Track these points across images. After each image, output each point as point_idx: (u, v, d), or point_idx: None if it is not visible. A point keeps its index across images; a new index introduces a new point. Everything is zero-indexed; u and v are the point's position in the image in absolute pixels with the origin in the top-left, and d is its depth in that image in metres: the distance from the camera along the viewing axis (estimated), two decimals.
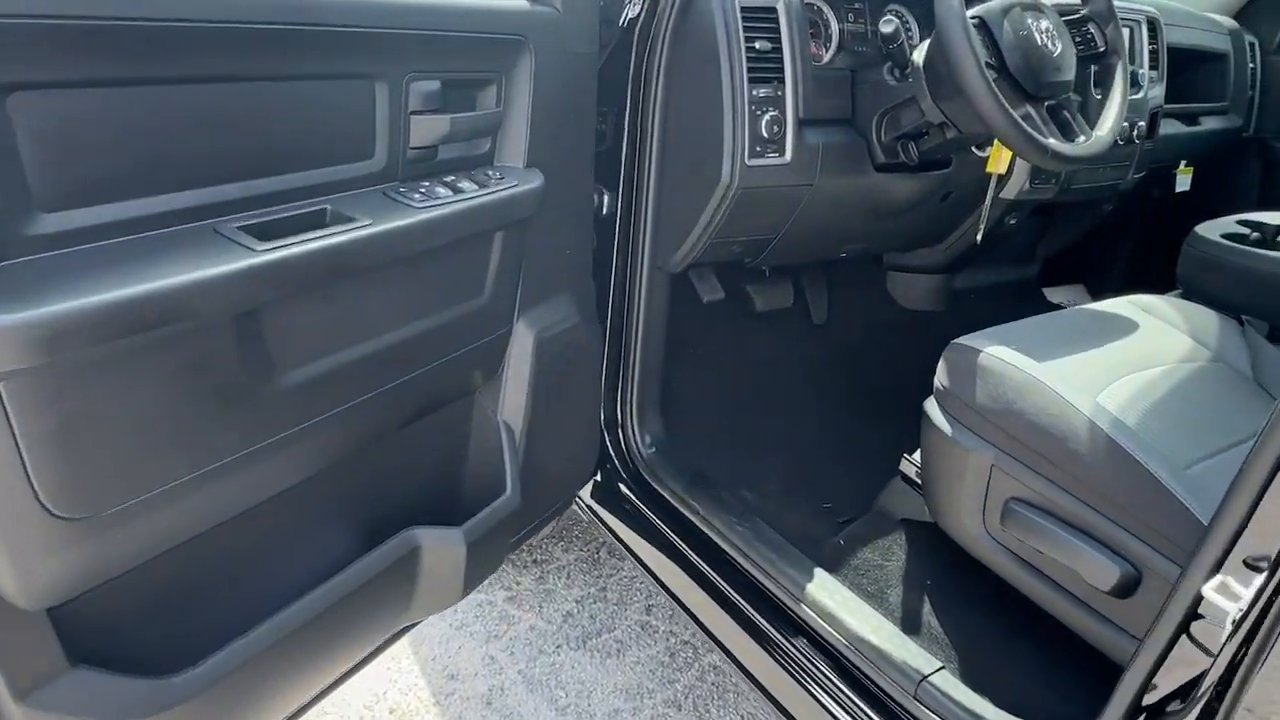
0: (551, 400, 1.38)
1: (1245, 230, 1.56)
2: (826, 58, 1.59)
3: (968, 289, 2.18)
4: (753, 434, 1.82)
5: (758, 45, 1.38)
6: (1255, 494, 0.75)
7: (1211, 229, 1.55)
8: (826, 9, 1.59)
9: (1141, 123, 1.82)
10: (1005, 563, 1.24)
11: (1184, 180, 2.22)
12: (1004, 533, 1.22)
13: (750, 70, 1.38)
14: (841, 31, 1.60)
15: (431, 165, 1.12)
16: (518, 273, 1.26)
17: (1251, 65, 2.27)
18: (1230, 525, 0.77)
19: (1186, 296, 1.57)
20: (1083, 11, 1.45)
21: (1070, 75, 1.37)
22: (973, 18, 1.33)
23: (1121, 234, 2.45)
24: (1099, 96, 1.44)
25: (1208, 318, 1.44)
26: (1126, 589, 1.08)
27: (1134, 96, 1.79)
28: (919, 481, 1.43)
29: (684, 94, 1.46)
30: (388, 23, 0.98)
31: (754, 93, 1.38)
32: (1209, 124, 2.17)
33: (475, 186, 1.10)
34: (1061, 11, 1.55)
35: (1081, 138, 1.36)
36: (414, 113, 1.05)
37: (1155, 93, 1.90)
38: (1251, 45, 2.27)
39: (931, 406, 1.32)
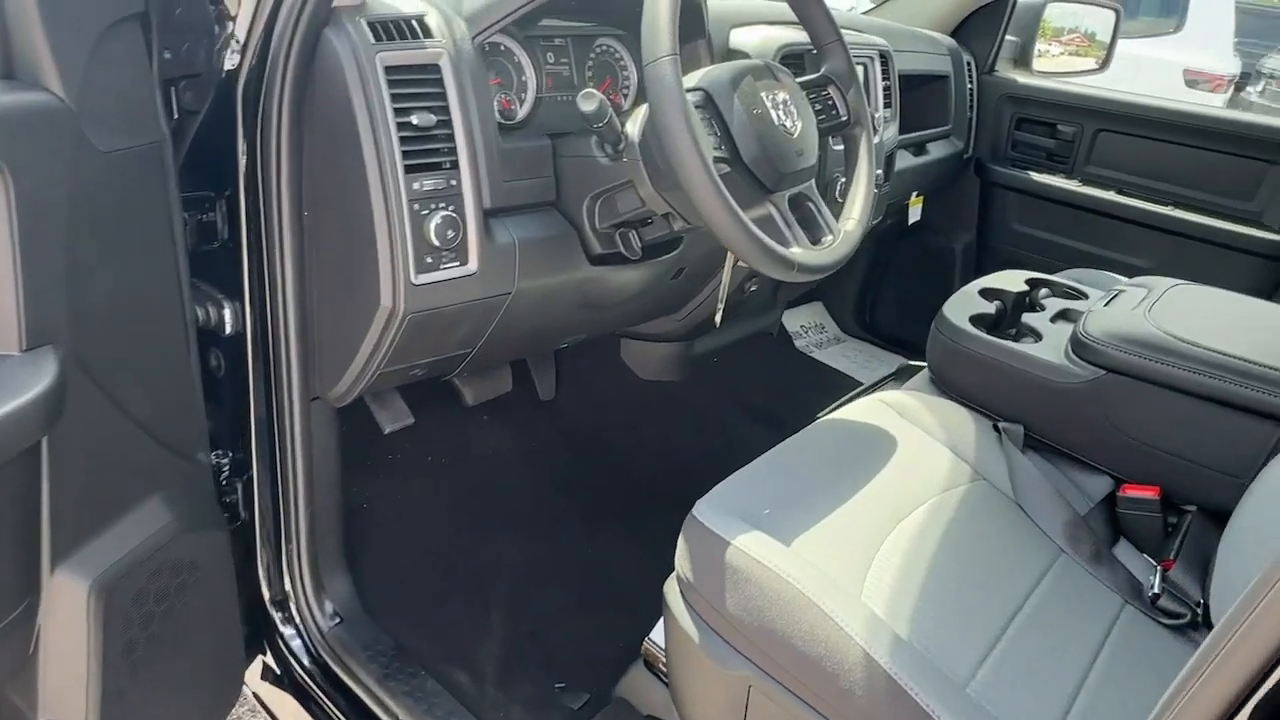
0: (142, 661, 0.94)
1: (989, 307, 1.44)
2: (521, 113, 1.23)
3: (710, 352, 1.96)
4: (470, 578, 1.47)
5: (415, 120, 0.99)
6: None
7: (959, 308, 1.40)
8: (518, 50, 1.22)
9: (879, 171, 1.66)
10: None
11: (915, 211, 2.14)
12: None
13: (407, 155, 0.99)
14: (540, 80, 1.24)
15: None
16: (28, 520, 0.79)
17: (970, 85, 2.21)
18: None
19: (936, 382, 1.42)
20: (822, 70, 1.21)
21: (813, 159, 1.11)
22: (695, 90, 1.03)
23: (853, 264, 2.36)
24: (839, 175, 1.21)
25: (962, 420, 1.28)
26: None
27: None
28: (663, 673, 1.17)
29: (321, 182, 1.04)
30: None
31: (415, 185, 1.00)
32: (935, 151, 2.09)
33: None
34: (796, 72, 1.30)
35: (828, 237, 1.12)
36: None
37: (890, 133, 1.74)
38: (969, 65, 2.21)
39: (674, 597, 1.04)
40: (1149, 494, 1.18)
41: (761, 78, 1.07)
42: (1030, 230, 2.29)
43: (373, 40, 0.96)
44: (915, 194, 2.10)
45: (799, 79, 1.18)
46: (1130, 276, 1.94)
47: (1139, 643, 1.04)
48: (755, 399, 1.89)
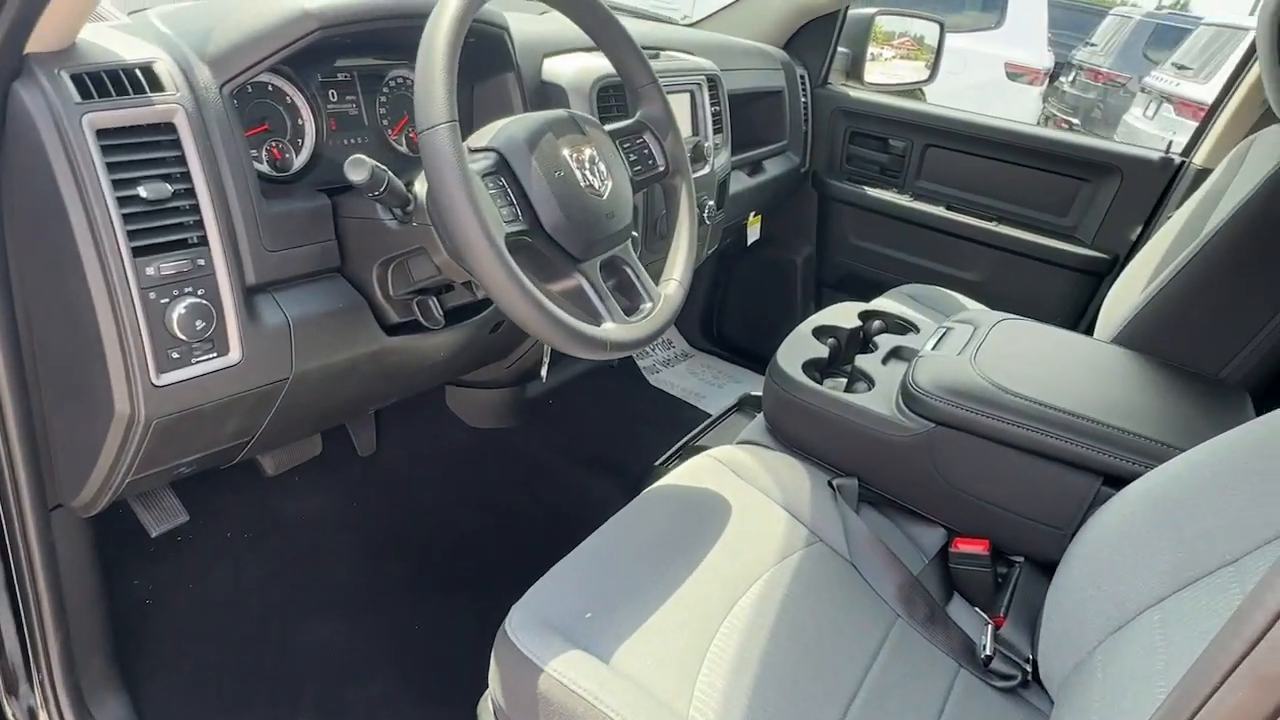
0: None
1: (823, 349, 1.40)
2: (298, 163, 1.07)
3: (544, 394, 1.84)
4: (277, 674, 1.31)
5: (144, 191, 0.81)
6: None
7: (793, 353, 1.35)
8: (291, 90, 1.06)
9: (711, 202, 1.58)
10: None
11: (754, 230, 2.09)
12: None
13: (136, 235, 0.81)
14: (321, 124, 1.08)
15: None
16: None
17: (804, 99, 2.18)
18: None
19: (773, 432, 1.37)
20: (637, 116, 1.11)
21: (627, 218, 1.02)
22: (485, 153, 0.91)
23: (697, 280, 2.30)
24: (659, 234, 1.12)
25: (797, 476, 1.24)
26: None
27: (702, 173, 1.53)
28: None
29: (32, 268, 0.86)
30: None
31: (150, 271, 0.83)
32: (772, 169, 2.04)
33: None
34: (617, 107, 1.20)
35: (647, 304, 1.03)
36: None
37: (722, 160, 1.67)
38: (802, 78, 2.18)
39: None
40: (978, 548, 1.17)
41: (565, 133, 0.96)
42: (867, 244, 2.30)
43: (78, 98, 0.78)
44: (753, 213, 2.05)
45: (611, 125, 1.07)
46: (962, 291, 1.98)
47: (975, 709, 1.02)
48: (593, 444, 1.79)
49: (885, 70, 2.43)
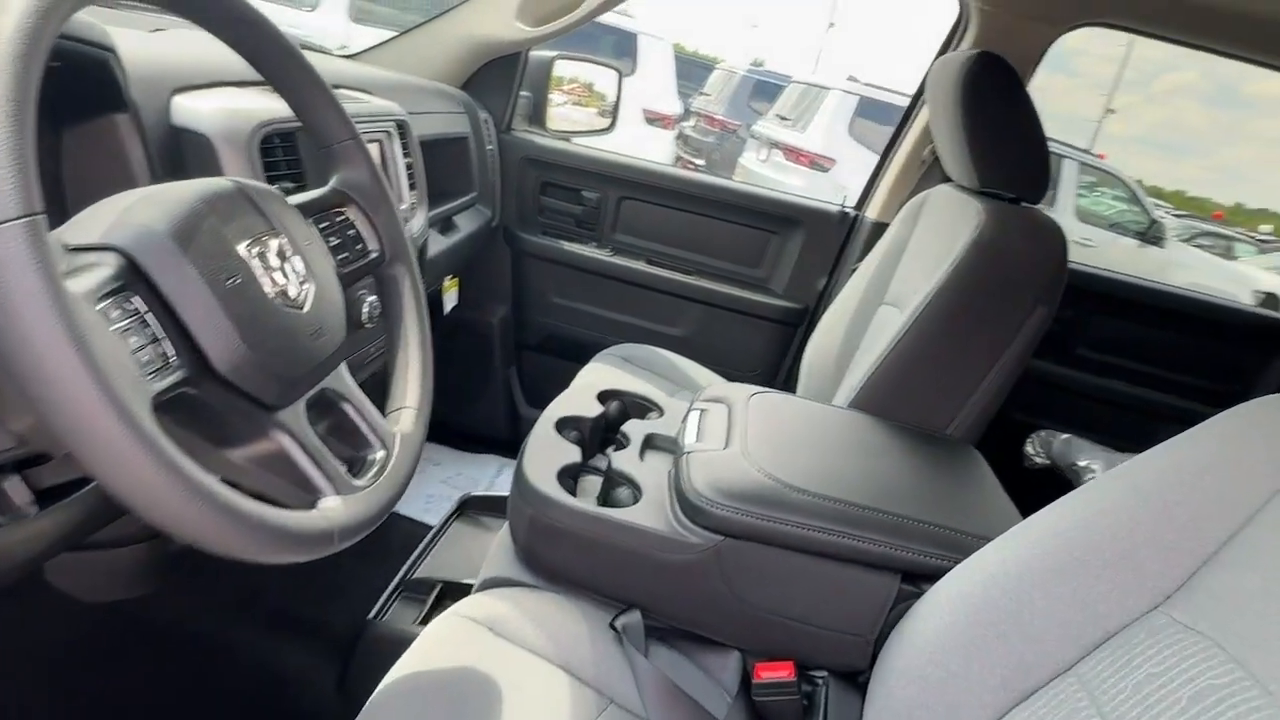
0: None
1: (571, 449, 1.17)
2: None
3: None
4: None
5: None
6: None
7: (540, 460, 1.11)
8: None
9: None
10: None
11: (451, 297, 1.81)
12: None
13: None
14: None
15: None
16: None
17: (490, 146, 1.96)
18: None
19: (529, 562, 1.11)
20: (332, 184, 0.79)
21: (340, 333, 0.70)
22: (94, 253, 0.55)
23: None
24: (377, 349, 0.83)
25: (570, 622, 1.00)
26: None
27: None
28: None
29: None
30: None
31: None
32: (464, 224, 1.78)
33: None
34: (292, 169, 0.88)
35: (377, 450, 0.72)
36: None
37: (419, 221, 1.38)
38: (486, 122, 1.95)
39: None
40: (782, 674, 1.02)
41: (234, 215, 0.63)
42: (568, 302, 2.13)
43: None
44: (450, 277, 1.78)
45: (298, 197, 0.75)
46: (670, 348, 1.89)
47: None
48: (276, 597, 1.37)
49: (563, 117, 2.31)
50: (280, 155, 0.98)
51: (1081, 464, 1.67)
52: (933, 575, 0.96)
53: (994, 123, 1.36)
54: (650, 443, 1.24)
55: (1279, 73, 1.71)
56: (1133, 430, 1.99)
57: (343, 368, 0.72)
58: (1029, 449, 1.89)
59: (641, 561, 1.03)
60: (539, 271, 2.11)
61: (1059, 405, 2.09)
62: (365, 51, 1.83)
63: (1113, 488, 0.84)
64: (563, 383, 1.50)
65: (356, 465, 0.70)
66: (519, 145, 2.05)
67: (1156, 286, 2.03)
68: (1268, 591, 0.69)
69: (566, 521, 1.04)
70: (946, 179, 1.69)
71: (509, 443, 2.21)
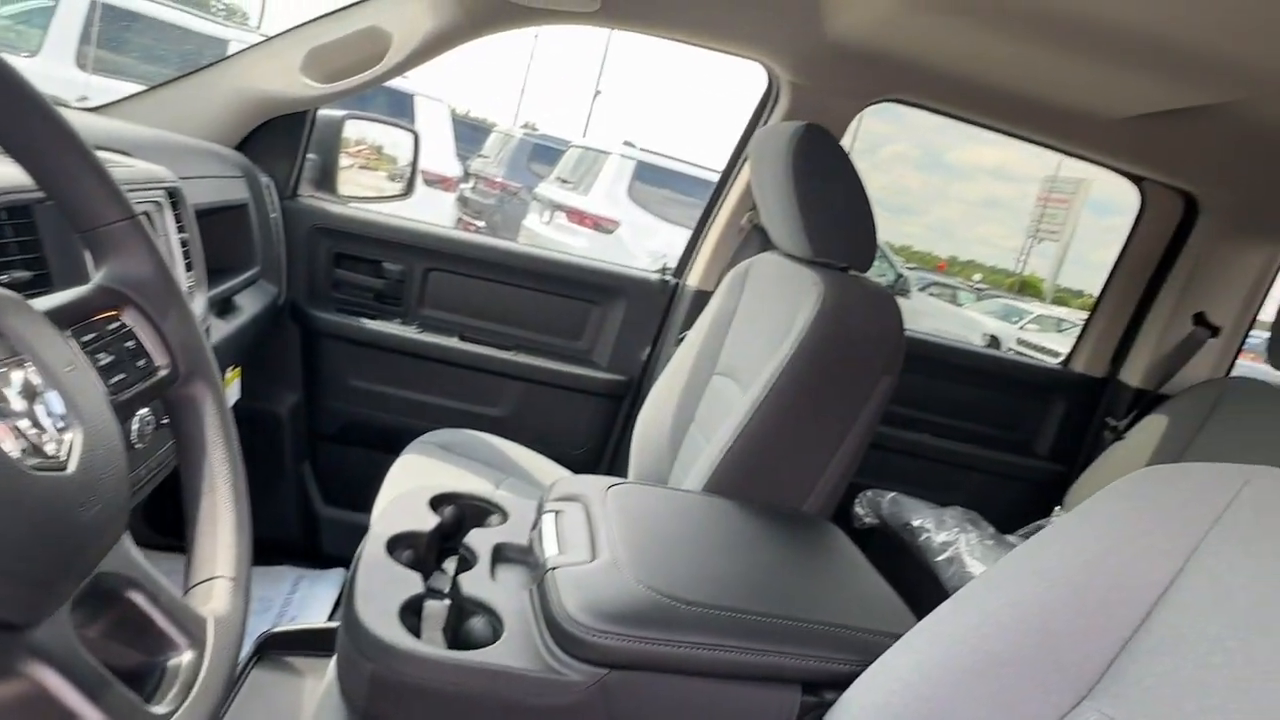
0: None
1: (412, 575, 0.98)
2: None
3: None
4: None
5: None
6: None
7: (374, 591, 0.90)
8: None
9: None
10: None
11: (234, 390, 1.53)
12: None
13: None
14: None
15: None
16: None
17: (274, 214, 1.71)
18: None
19: None
20: (99, 279, 0.58)
21: (121, 493, 0.50)
22: None
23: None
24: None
25: None
26: None
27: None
28: None
29: None
30: None
31: None
32: (248, 306, 1.53)
33: None
34: (35, 267, 0.67)
35: (184, 651, 0.52)
36: None
37: (200, 305, 1.13)
38: (268, 187, 1.71)
39: None
40: None
41: None
42: (370, 385, 1.90)
43: None
44: (232, 367, 1.51)
45: (45, 300, 0.54)
46: (490, 430, 1.72)
47: None
48: None
49: (352, 181, 2.10)
50: (9, 236, 0.74)
51: (915, 524, 1.70)
52: (835, 682, 0.89)
53: (824, 193, 1.36)
54: (500, 554, 1.08)
55: (1058, 153, 1.89)
56: (940, 481, 2.08)
57: (126, 539, 0.51)
58: (858, 509, 1.92)
59: (513, 711, 0.86)
60: (335, 352, 1.87)
61: (872, 460, 2.15)
62: (115, 104, 1.54)
63: (1014, 575, 0.80)
64: (365, 476, 1.30)
65: (152, 680, 0.50)
66: (307, 213, 1.82)
67: (952, 344, 2.17)
68: (1189, 678, 0.67)
69: (418, 675, 0.85)
70: (766, 246, 1.68)
71: (305, 549, 1.92)
